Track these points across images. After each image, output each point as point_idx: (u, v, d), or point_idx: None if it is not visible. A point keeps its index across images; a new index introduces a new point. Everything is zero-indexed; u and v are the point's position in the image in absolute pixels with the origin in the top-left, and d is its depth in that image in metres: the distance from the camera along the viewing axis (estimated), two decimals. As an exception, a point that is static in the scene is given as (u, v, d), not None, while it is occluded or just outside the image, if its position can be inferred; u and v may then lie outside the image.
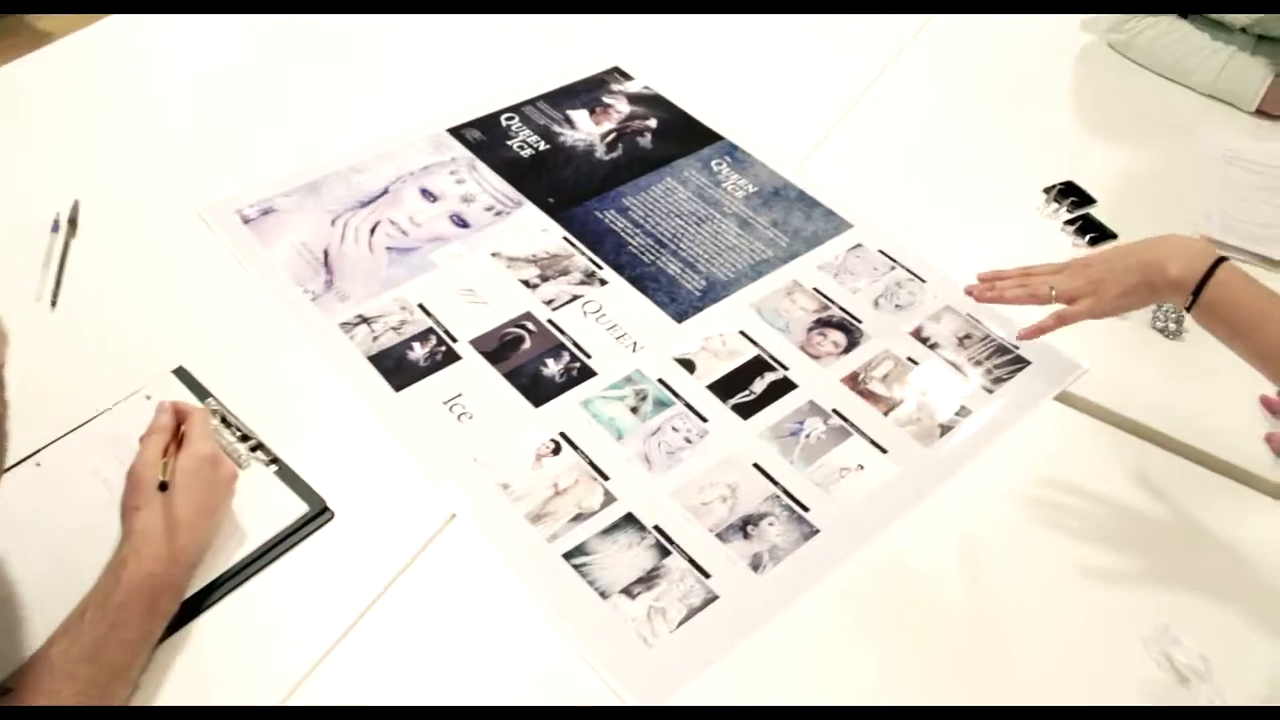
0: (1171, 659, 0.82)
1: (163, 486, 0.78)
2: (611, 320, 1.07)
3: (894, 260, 1.17)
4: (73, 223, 1.11)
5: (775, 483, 0.93)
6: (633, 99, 1.39)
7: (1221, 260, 0.89)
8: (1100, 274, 0.94)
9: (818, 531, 0.90)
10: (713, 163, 1.29)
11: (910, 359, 1.06)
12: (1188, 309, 0.89)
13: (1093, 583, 0.89)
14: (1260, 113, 1.47)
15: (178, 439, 0.84)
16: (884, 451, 0.97)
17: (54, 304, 1.03)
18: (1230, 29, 1.51)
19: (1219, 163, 1.38)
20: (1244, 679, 0.82)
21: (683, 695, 0.79)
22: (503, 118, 1.33)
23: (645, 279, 1.12)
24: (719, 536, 0.89)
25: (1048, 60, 1.56)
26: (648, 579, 0.85)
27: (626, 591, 0.84)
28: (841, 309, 1.11)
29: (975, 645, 0.84)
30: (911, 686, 0.81)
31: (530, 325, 1.06)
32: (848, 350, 1.07)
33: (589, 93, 1.39)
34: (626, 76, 1.42)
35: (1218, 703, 0.79)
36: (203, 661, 0.78)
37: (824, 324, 1.09)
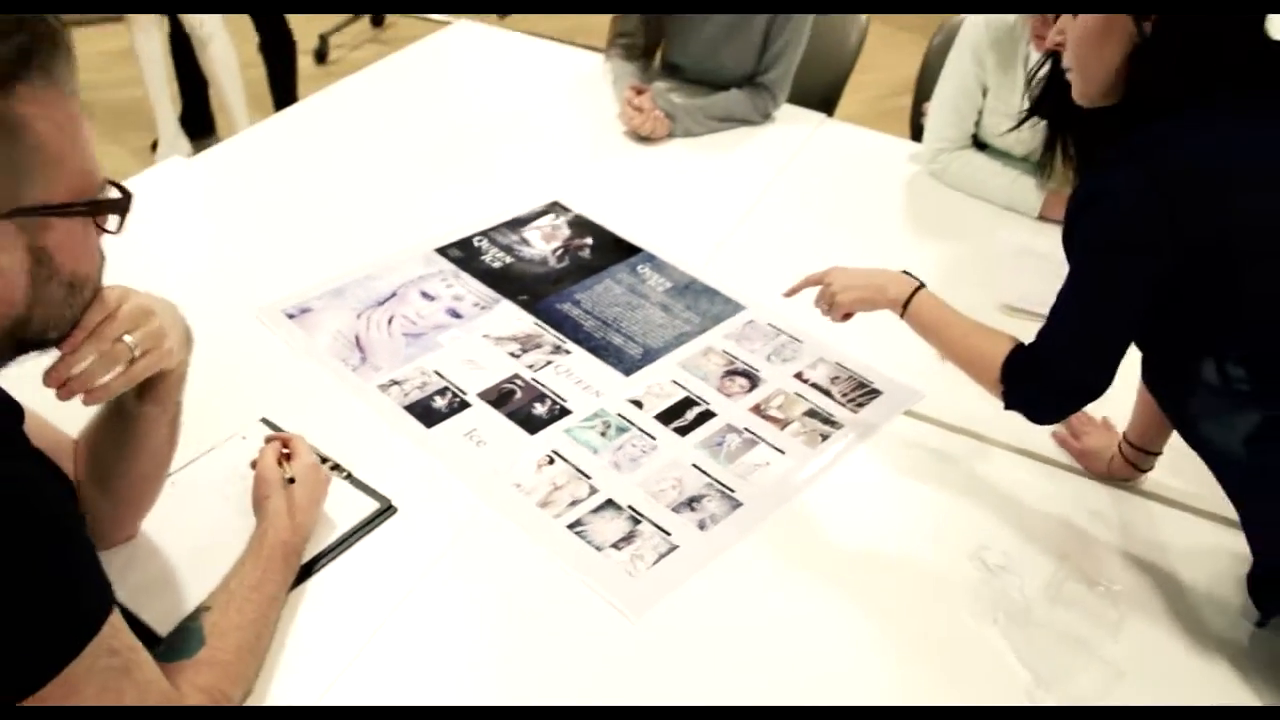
0: (985, 561, 1.22)
1: (290, 480, 1.12)
2: (578, 377, 1.45)
3: (779, 329, 1.59)
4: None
5: (709, 476, 1.31)
6: (571, 224, 1.80)
7: (920, 288, 1.32)
8: (846, 282, 1.38)
9: (741, 504, 1.28)
10: (637, 267, 1.70)
11: (797, 393, 1.47)
12: (901, 317, 1.33)
13: (936, 527, 1.28)
14: (1042, 218, 1.96)
15: (286, 455, 1.18)
16: (782, 453, 1.36)
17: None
18: (1014, 158, 2.02)
19: (1013, 254, 1.85)
20: (1033, 570, 1.21)
21: (657, 609, 1.14)
22: (475, 239, 1.72)
23: (598, 349, 1.51)
24: (674, 510, 1.26)
25: (885, 183, 2.05)
26: (628, 538, 1.21)
27: (615, 546, 1.20)
28: (744, 363, 1.51)
29: (856, 569, 1.22)
30: (809, 598, 1.18)
31: (519, 382, 1.43)
32: (751, 389, 1.47)
33: (537, 220, 1.80)
34: (564, 209, 1.84)
35: (1014, 588, 1.19)
36: (314, 607, 1.10)
37: (732, 373, 1.49)
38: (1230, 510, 1.18)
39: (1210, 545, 1.30)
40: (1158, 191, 1.06)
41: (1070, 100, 1.19)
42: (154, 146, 3.37)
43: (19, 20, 0.74)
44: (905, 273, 1.38)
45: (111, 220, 0.84)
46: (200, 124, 3.41)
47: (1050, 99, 1.28)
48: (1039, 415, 1.25)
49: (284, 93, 3.34)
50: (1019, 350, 1.22)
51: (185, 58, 3.22)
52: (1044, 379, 1.20)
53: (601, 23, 2.36)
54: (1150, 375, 1.22)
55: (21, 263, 0.78)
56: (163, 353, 0.95)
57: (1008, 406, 1.24)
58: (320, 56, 4.06)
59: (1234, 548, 1.23)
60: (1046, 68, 1.29)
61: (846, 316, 1.41)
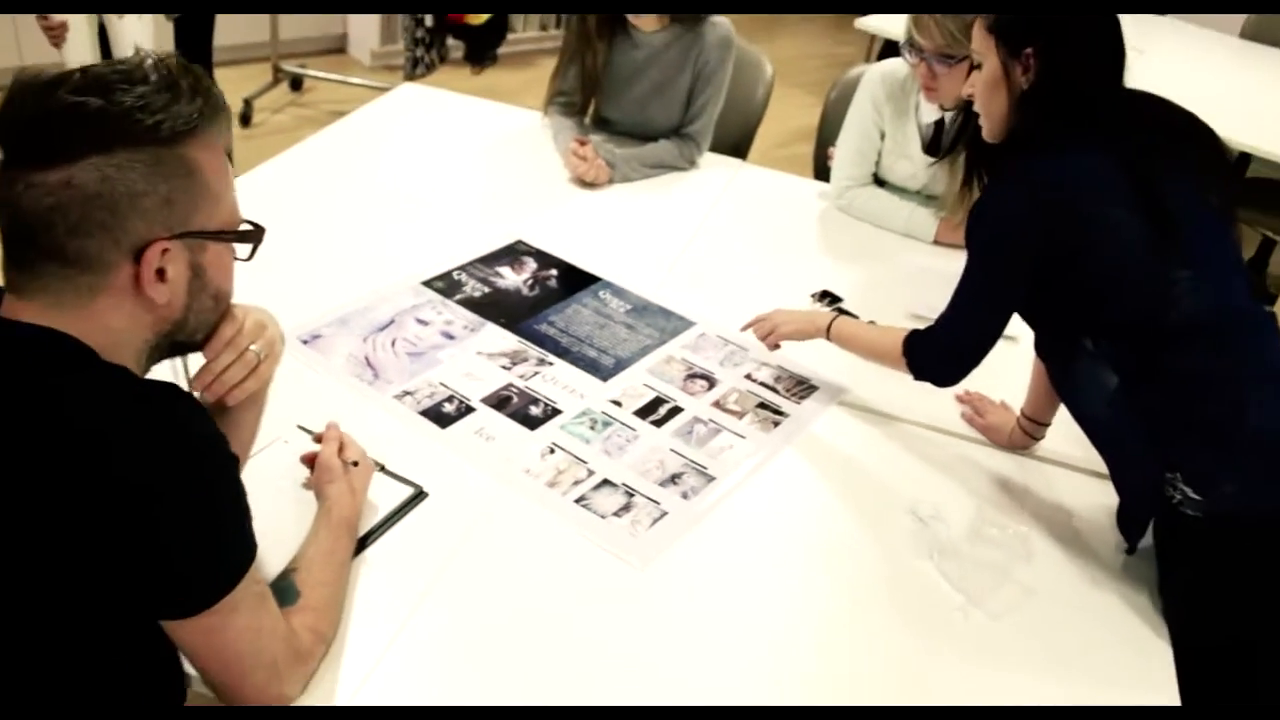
0: (918, 513, 1.49)
1: (354, 464, 1.33)
2: (563, 383, 1.69)
3: (726, 339, 1.85)
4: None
5: (685, 457, 1.56)
6: (536, 258, 2.04)
7: (837, 317, 1.68)
8: (783, 320, 1.73)
9: (715, 478, 1.53)
10: (599, 293, 1.95)
11: (749, 390, 1.73)
12: (827, 339, 1.68)
13: (875, 489, 1.55)
14: (937, 242, 2.28)
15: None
16: (743, 438, 1.62)
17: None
18: (909, 192, 2.35)
19: (915, 272, 2.16)
20: (957, 518, 1.49)
21: (657, 561, 1.38)
22: (454, 273, 1.95)
23: (577, 360, 1.75)
24: (660, 485, 1.50)
25: (800, 217, 2.35)
26: (625, 508, 1.45)
27: (615, 515, 1.43)
28: (701, 368, 1.77)
29: (812, 525, 1.48)
30: (777, 548, 1.43)
31: (514, 389, 1.66)
32: (710, 389, 1.72)
33: (507, 256, 2.03)
34: (527, 245, 2.08)
35: (943, 533, 1.46)
36: (370, 576, 1.30)
37: (692, 376, 1.75)
38: (1091, 460, 1.49)
39: (1091, 495, 1.60)
40: (1031, 206, 1.37)
41: (980, 144, 1.51)
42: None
43: (196, 87, 0.96)
44: (826, 292, 1.69)
45: (243, 249, 1.06)
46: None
47: (969, 138, 1.60)
48: (938, 377, 1.57)
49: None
50: (914, 333, 1.55)
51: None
52: (941, 347, 1.52)
53: (512, 86, 2.62)
54: (1040, 349, 1.53)
55: (184, 276, 0.99)
56: (277, 357, 1.16)
57: (916, 376, 1.55)
58: (245, 119, 4.23)
59: (1109, 496, 1.52)
60: (961, 115, 1.62)
61: (776, 346, 1.77)
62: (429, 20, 3.98)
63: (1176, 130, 1.44)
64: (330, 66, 4.77)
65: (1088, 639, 1.36)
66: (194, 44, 3.37)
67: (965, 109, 1.62)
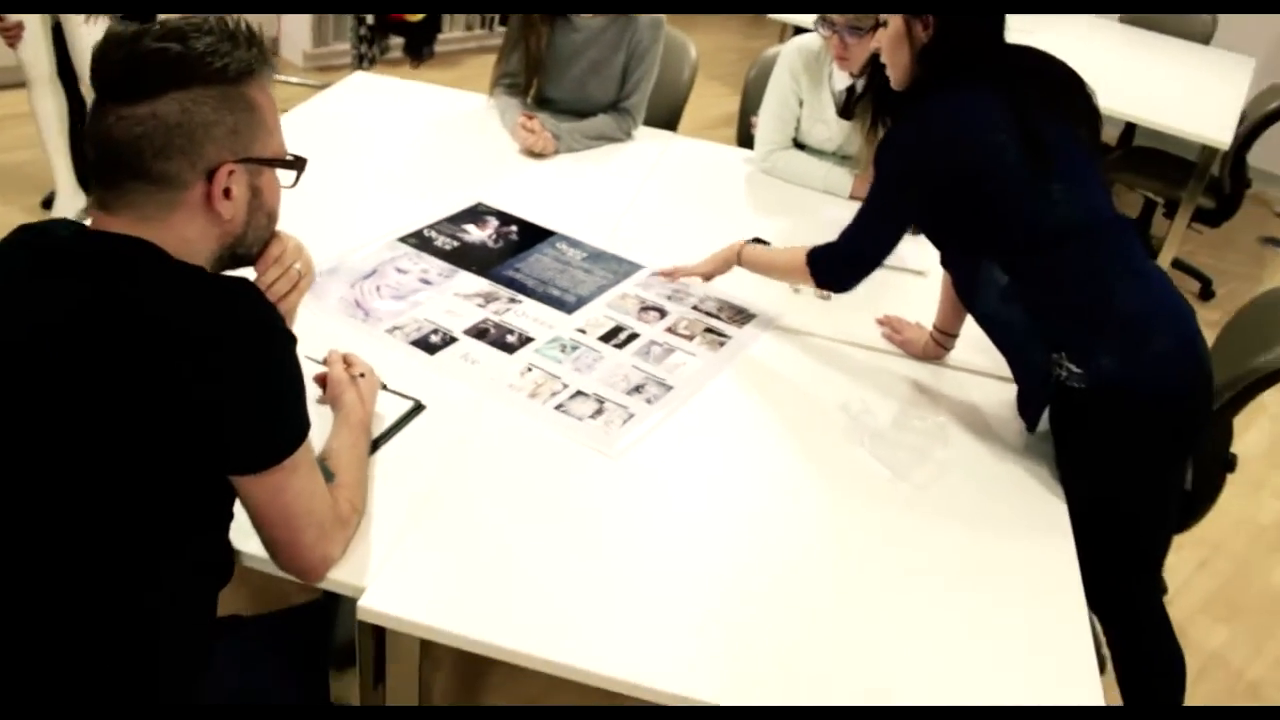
0: (849, 409, 1.74)
1: (361, 375, 1.53)
2: (533, 316, 1.90)
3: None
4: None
5: (645, 372, 1.79)
6: (497, 216, 2.25)
7: (746, 244, 1.91)
8: (702, 260, 1.97)
9: (673, 388, 1.76)
10: (556, 244, 2.17)
11: (696, 319, 1.96)
12: (739, 264, 1.91)
13: (811, 394, 1.80)
14: (852, 197, 2.54)
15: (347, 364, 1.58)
16: (694, 355, 1.85)
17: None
18: (826, 153, 2.61)
19: (833, 224, 2.41)
20: (883, 412, 1.74)
21: (629, 454, 1.60)
22: (424, 230, 2.15)
23: (543, 298, 1.96)
24: (626, 394, 1.72)
25: (729, 179, 2.59)
26: (598, 413, 1.67)
27: (590, 418, 1.65)
28: (653, 302, 2.00)
29: (760, 423, 1.72)
30: (731, 441, 1.66)
31: (490, 323, 1.87)
32: (662, 318, 1.95)
33: (470, 216, 2.24)
34: (488, 207, 2.29)
35: (871, 423, 1.71)
36: (383, 476, 1.50)
37: (646, 309, 1.98)
38: (997, 367, 1.76)
39: (996, 393, 1.86)
40: (928, 138, 1.63)
41: (886, 88, 1.75)
42: (45, 203, 3.61)
43: (250, 38, 1.16)
44: (756, 239, 1.94)
45: (288, 176, 1.26)
46: (87, 180, 3.67)
47: (874, 89, 1.85)
48: (838, 282, 1.83)
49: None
50: (816, 247, 1.81)
51: (77, 122, 3.49)
52: (841, 257, 1.78)
53: (444, 81, 2.82)
54: (945, 262, 1.79)
55: (245, 195, 1.19)
56: (312, 277, 1.36)
57: (818, 284, 1.82)
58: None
59: (1001, 392, 1.79)
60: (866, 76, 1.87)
61: (708, 278, 2.00)
62: (370, 19, 4.16)
63: (1053, 77, 1.71)
64: (263, 67, 4.89)
65: (997, 502, 1.62)
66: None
67: (872, 68, 1.87)
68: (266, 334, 1.15)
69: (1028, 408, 1.72)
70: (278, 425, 1.16)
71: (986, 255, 1.66)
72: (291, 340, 1.19)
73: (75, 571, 1.11)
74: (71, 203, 3.46)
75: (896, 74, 1.73)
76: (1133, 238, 1.65)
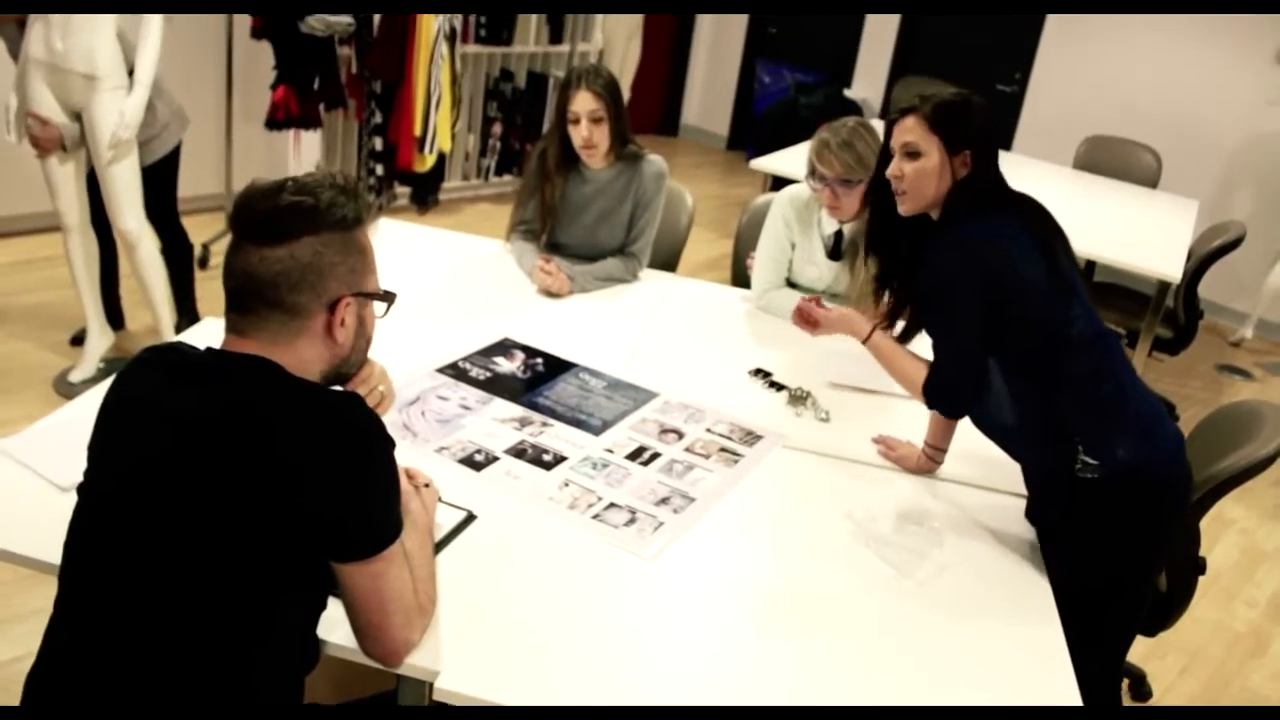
0: (854, 517, 1.93)
1: (426, 485, 1.72)
2: (565, 439, 2.10)
3: (686, 404, 2.30)
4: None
5: (670, 486, 1.98)
6: (523, 350, 2.47)
7: (874, 328, 2.08)
8: (825, 319, 2.14)
9: (696, 499, 1.95)
10: (579, 374, 2.39)
11: (710, 440, 2.17)
12: (864, 344, 2.08)
13: (819, 503, 1.99)
14: (842, 331, 2.78)
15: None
16: (712, 472, 2.05)
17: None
18: (816, 291, 2.86)
19: (829, 353, 2.65)
20: (884, 519, 1.94)
21: (662, 556, 1.78)
22: (459, 362, 2.36)
23: (572, 422, 2.17)
24: (655, 504, 1.91)
25: (729, 315, 2.84)
26: (631, 521, 1.86)
27: (625, 525, 1.84)
28: (670, 425, 2.21)
29: (775, 528, 1.91)
30: (750, 545, 1.85)
31: (528, 444, 2.07)
32: (680, 439, 2.16)
33: (499, 349, 2.46)
34: (514, 341, 2.51)
35: (875, 529, 1.90)
36: (444, 578, 1.67)
37: (665, 431, 2.18)
38: (984, 478, 1.98)
39: (982, 500, 2.07)
40: (972, 257, 1.85)
41: (891, 224, 1.99)
42: (74, 340, 3.81)
43: (356, 192, 1.39)
44: (759, 369, 2.17)
45: (380, 308, 1.47)
46: (114, 319, 3.88)
47: (879, 224, 2.07)
48: (947, 411, 2.02)
49: (183, 290, 3.87)
50: (929, 380, 1.94)
51: (108, 265, 3.72)
52: (948, 389, 1.94)
53: (449, 226, 3.08)
54: None
55: (354, 324, 1.41)
56: (393, 398, 1.57)
57: (931, 408, 2.00)
58: (203, 262, 4.60)
59: (989, 500, 1.99)
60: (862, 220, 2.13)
61: (816, 333, 2.20)
62: (380, 169, 4.46)
63: (1046, 213, 1.96)
64: (274, 216, 5.18)
65: (991, 593, 1.81)
66: (160, 193, 3.70)
67: (874, 205, 2.07)
68: (372, 439, 1.34)
69: (1049, 506, 1.93)
70: (382, 518, 1.35)
71: (1002, 369, 1.88)
72: (392, 445, 1.38)
73: (195, 645, 1.28)
74: (100, 341, 3.66)
75: (917, 202, 1.93)
76: (1119, 343, 1.91)
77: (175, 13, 3.41)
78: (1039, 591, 1.82)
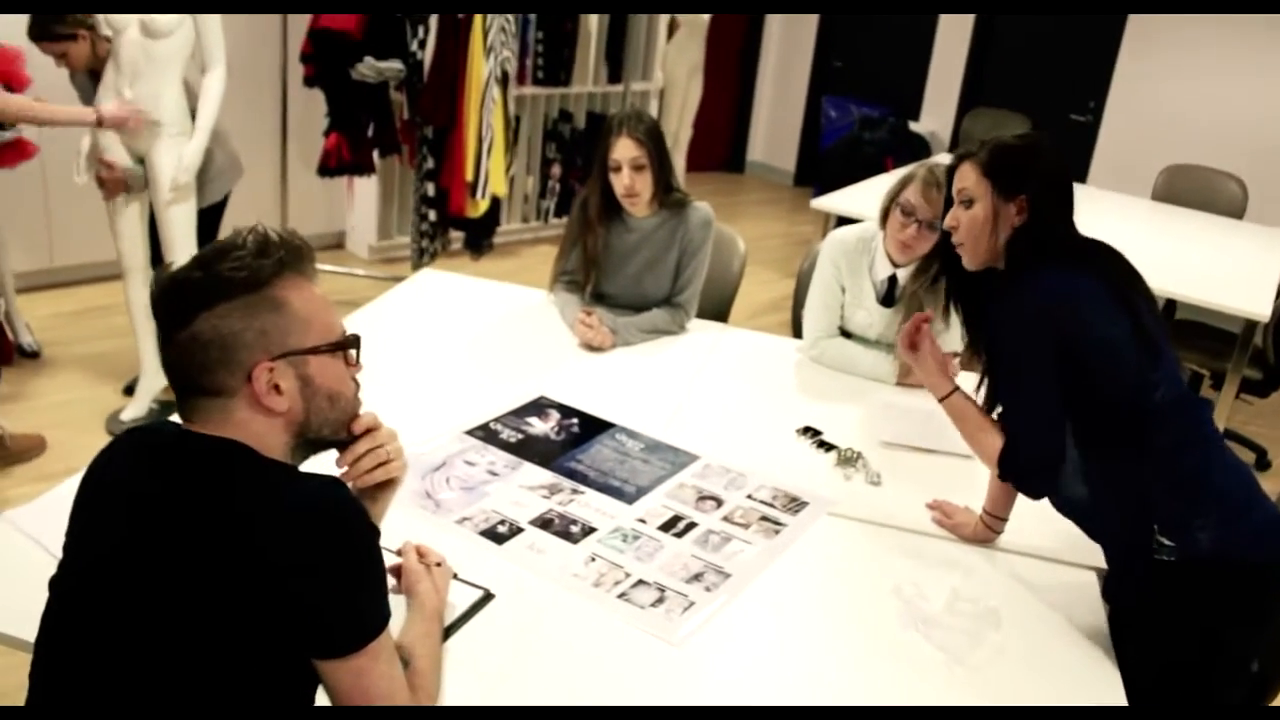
0: (903, 593, 1.79)
1: (438, 565, 1.62)
2: (595, 507, 1.99)
3: (728, 468, 2.18)
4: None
5: (704, 560, 1.86)
6: (558, 409, 2.37)
7: (954, 390, 1.92)
8: (923, 363, 1.96)
9: (731, 575, 1.82)
10: (616, 435, 2.28)
11: (751, 507, 2.04)
12: (940, 403, 1.93)
13: (866, 577, 1.85)
14: (898, 383, 2.64)
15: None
16: (750, 544, 1.92)
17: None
18: (869, 340, 2.72)
19: (882, 407, 2.51)
20: (935, 596, 1.79)
21: (689, 641, 1.65)
22: (491, 423, 2.27)
23: (604, 489, 2.06)
24: (686, 582, 1.79)
25: (779, 367, 2.71)
26: (659, 601, 1.74)
27: (652, 606, 1.72)
28: (709, 491, 2.09)
29: (816, 607, 1.77)
30: (788, 627, 1.72)
31: (555, 513, 1.96)
32: (719, 507, 2.03)
33: (534, 409, 2.37)
34: (550, 400, 2.42)
35: (925, 608, 1.75)
36: (457, 662, 1.57)
37: (703, 498, 2.06)
38: (1051, 550, 1.81)
39: (1046, 573, 1.91)
40: (1043, 312, 1.71)
41: (958, 271, 1.86)
42: (127, 389, 3.83)
43: (281, 242, 1.30)
44: (808, 428, 2.05)
45: (351, 355, 1.38)
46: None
47: (947, 272, 1.94)
48: (1028, 491, 1.84)
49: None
50: (1004, 453, 1.79)
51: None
52: (1026, 466, 1.78)
53: (504, 271, 3.01)
54: None
55: (295, 385, 1.31)
56: (404, 463, 1.48)
57: (1003, 479, 1.84)
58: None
59: (1055, 575, 1.83)
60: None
61: (914, 355, 1.98)
62: (433, 215, 4.43)
63: (1123, 262, 1.81)
64: (331, 261, 5.20)
65: (1052, 683, 1.65)
66: (203, 240, 3.74)
67: (943, 253, 1.94)
68: (351, 530, 1.25)
69: (1123, 586, 1.76)
70: (361, 613, 1.25)
71: (1084, 435, 1.73)
72: (375, 533, 1.29)
73: None
74: (155, 381, 3.69)
75: (978, 255, 1.81)
76: (1208, 408, 1.74)
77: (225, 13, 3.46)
78: (1104, 683, 1.66)
